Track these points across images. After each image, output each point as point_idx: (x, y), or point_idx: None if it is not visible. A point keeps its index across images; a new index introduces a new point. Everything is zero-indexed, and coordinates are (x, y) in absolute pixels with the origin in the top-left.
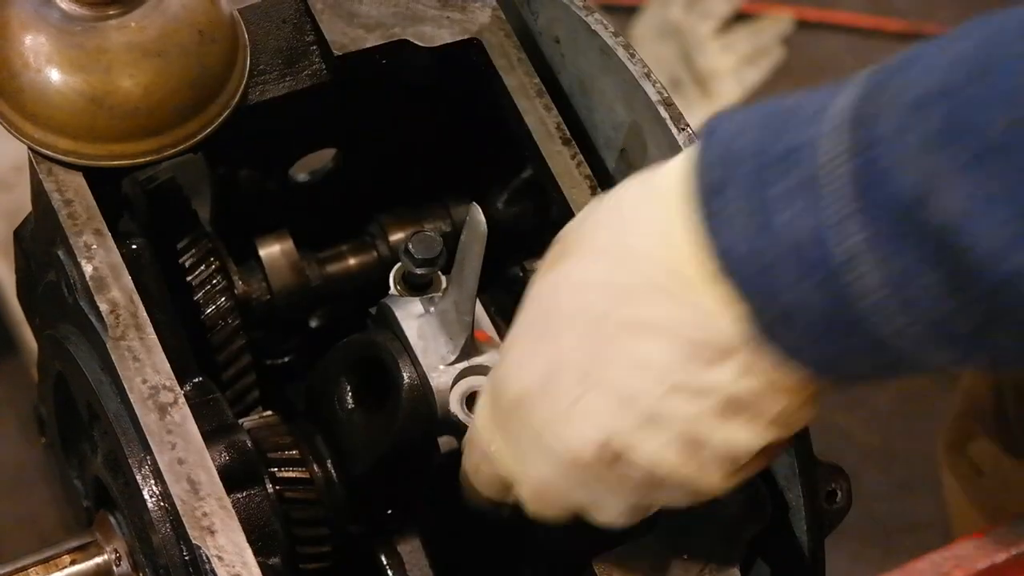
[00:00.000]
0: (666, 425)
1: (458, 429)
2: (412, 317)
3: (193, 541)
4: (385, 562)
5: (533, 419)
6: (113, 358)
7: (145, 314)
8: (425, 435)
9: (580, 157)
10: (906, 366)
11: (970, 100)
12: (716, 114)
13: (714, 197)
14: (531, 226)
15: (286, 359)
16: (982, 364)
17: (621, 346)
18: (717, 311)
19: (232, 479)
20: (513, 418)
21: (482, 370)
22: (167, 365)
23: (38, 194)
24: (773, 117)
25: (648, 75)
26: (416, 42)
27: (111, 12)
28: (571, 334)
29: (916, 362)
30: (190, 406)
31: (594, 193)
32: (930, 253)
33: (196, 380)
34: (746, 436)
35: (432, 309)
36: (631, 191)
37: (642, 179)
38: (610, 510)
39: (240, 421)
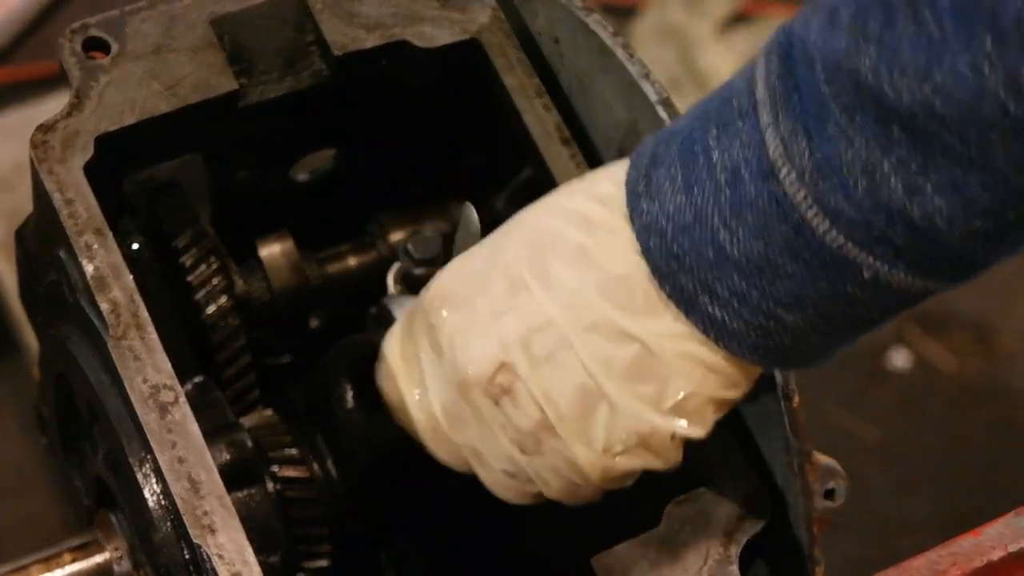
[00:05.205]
0: (570, 366)
1: None
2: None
3: (194, 540)
4: (385, 562)
5: (448, 323)
6: (114, 357)
7: (146, 314)
8: None
9: (579, 157)
10: (835, 300)
11: None
12: None
13: (645, 177)
14: None
15: (286, 359)
16: (904, 264)
17: (557, 268)
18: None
19: (232, 478)
20: (430, 320)
21: None
22: (168, 364)
23: (39, 194)
24: (714, 91)
25: (647, 75)
26: (416, 42)
27: None
28: (518, 246)
29: (849, 283)
30: (190, 405)
31: None
32: (854, 118)
33: (196, 379)
34: (644, 409)
35: None
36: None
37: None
38: (491, 463)
39: (240, 420)
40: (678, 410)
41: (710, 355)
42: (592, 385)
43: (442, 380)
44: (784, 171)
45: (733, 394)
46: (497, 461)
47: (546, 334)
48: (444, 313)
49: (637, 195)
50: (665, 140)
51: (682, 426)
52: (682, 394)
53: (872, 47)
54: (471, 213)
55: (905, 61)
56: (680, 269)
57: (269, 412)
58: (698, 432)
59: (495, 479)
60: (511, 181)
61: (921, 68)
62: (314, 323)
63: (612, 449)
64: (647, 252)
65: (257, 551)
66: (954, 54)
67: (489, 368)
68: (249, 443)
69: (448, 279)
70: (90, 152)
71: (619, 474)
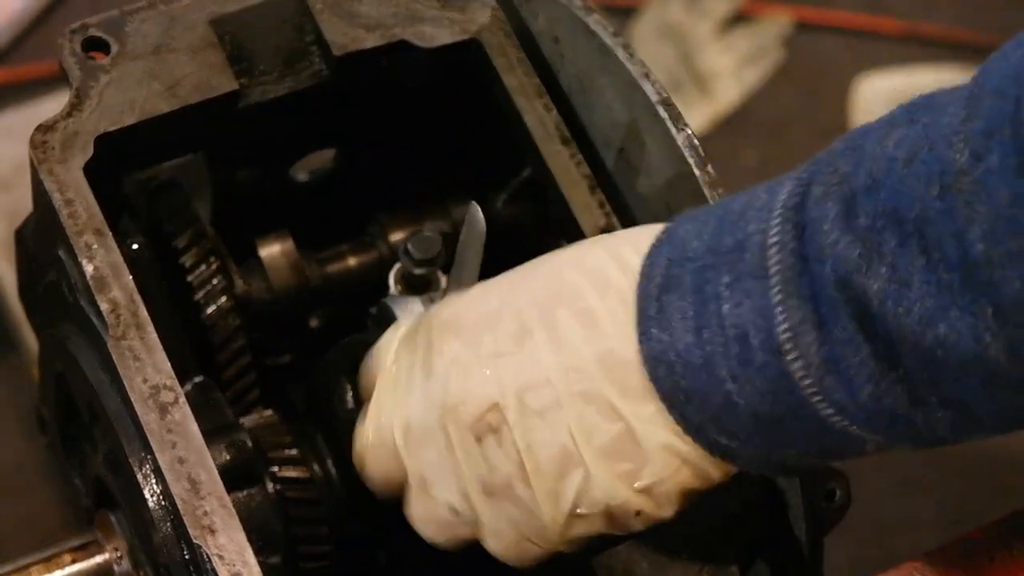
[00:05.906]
0: (557, 426)
1: None
2: (412, 317)
3: (194, 540)
4: (385, 562)
5: (450, 351)
6: (114, 357)
7: (145, 313)
8: None
9: (579, 156)
10: (839, 451)
11: (895, 193)
12: (683, 215)
13: (657, 299)
14: (530, 225)
15: (286, 359)
16: (909, 445)
17: (566, 325)
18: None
19: (232, 478)
20: (432, 339)
21: None
22: (167, 364)
23: (39, 194)
24: (727, 215)
25: (647, 75)
26: (416, 42)
27: None
28: (535, 292)
29: (851, 445)
30: (190, 405)
31: (593, 192)
32: (862, 327)
33: (196, 380)
34: (617, 485)
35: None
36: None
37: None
38: (437, 494)
39: (240, 420)
40: (648, 492)
41: (690, 451)
42: (573, 449)
43: (421, 400)
44: (792, 356)
45: (705, 485)
46: (446, 494)
47: (543, 391)
48: (449, 340)
49: (649, 318)
50: (679, 262)
51: (649, 506)
52: (655, 480)
53: (884, 269)
54: (477, 212)
55: (912, 299)
56: (687, 402)
57: (269, 412)
58: (664, 514)
59: (430, 512)
60: (511, 181)
61: (927, 314)
62: (314, 323)
63: (577, 512)
64: (655, 381)
65: (257, 551)
66: (960, 310)
67: (482, 406)
68: (249, 443)
69: (463, 307)
70: (90, 152)
71: (577, 536)
